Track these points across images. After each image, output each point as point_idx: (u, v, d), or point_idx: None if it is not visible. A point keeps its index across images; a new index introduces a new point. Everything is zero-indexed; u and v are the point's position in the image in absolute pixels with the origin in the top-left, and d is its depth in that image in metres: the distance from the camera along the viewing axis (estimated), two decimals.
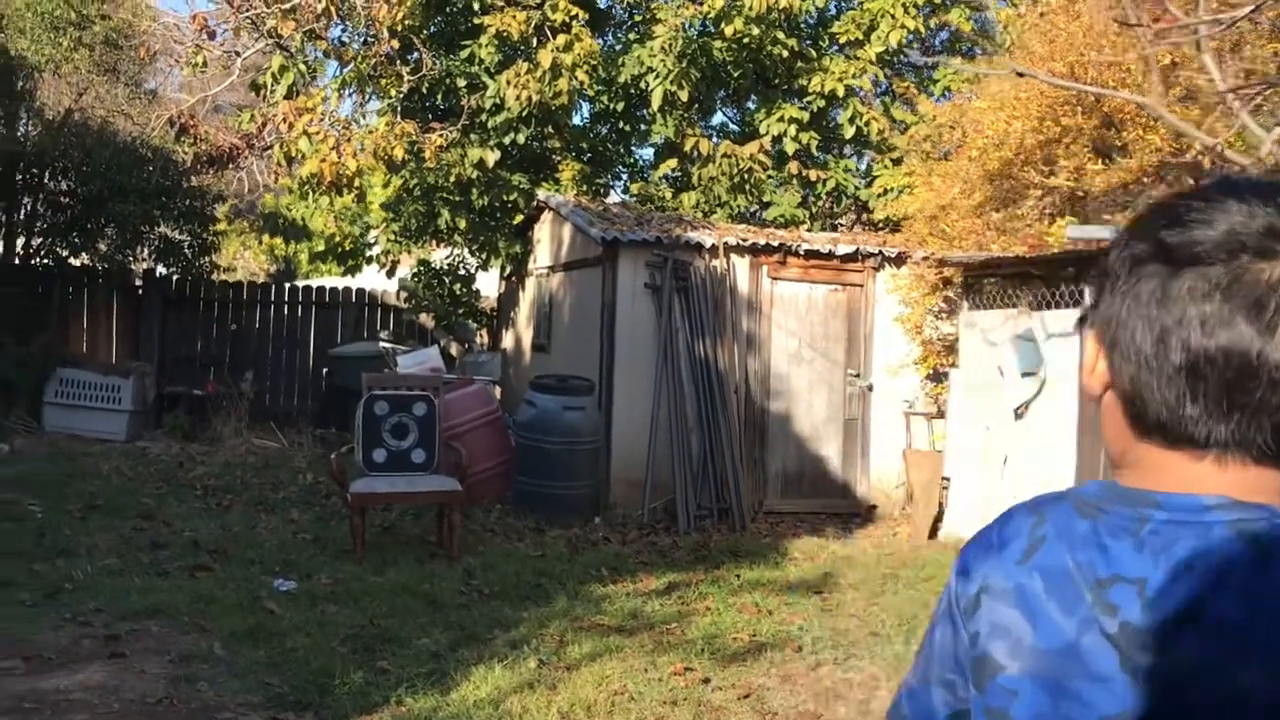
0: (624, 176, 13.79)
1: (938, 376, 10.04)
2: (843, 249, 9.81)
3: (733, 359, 9.46)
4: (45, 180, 12.53)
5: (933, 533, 8.76)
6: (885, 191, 12.36)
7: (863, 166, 13.51)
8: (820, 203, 13.29)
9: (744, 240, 9.62)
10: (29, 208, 12.68)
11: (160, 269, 13.68)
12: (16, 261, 12.60)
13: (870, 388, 9.94)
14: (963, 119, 9.83)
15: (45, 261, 12.81)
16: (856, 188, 12.87)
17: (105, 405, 12.20)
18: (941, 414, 10.10)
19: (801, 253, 9.70)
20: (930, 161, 11.70)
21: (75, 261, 13.07)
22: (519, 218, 12.20)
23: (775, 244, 9.65)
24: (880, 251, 9.90)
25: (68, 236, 12.73)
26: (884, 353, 10.00)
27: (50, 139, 12.15)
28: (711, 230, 9.92)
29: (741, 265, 9.65)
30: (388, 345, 12.43)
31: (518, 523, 8.44)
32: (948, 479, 8.86)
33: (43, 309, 12.88)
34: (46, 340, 12.53)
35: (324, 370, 14.04)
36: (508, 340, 13.21)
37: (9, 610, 5.74)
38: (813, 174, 12.21)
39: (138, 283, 13.64)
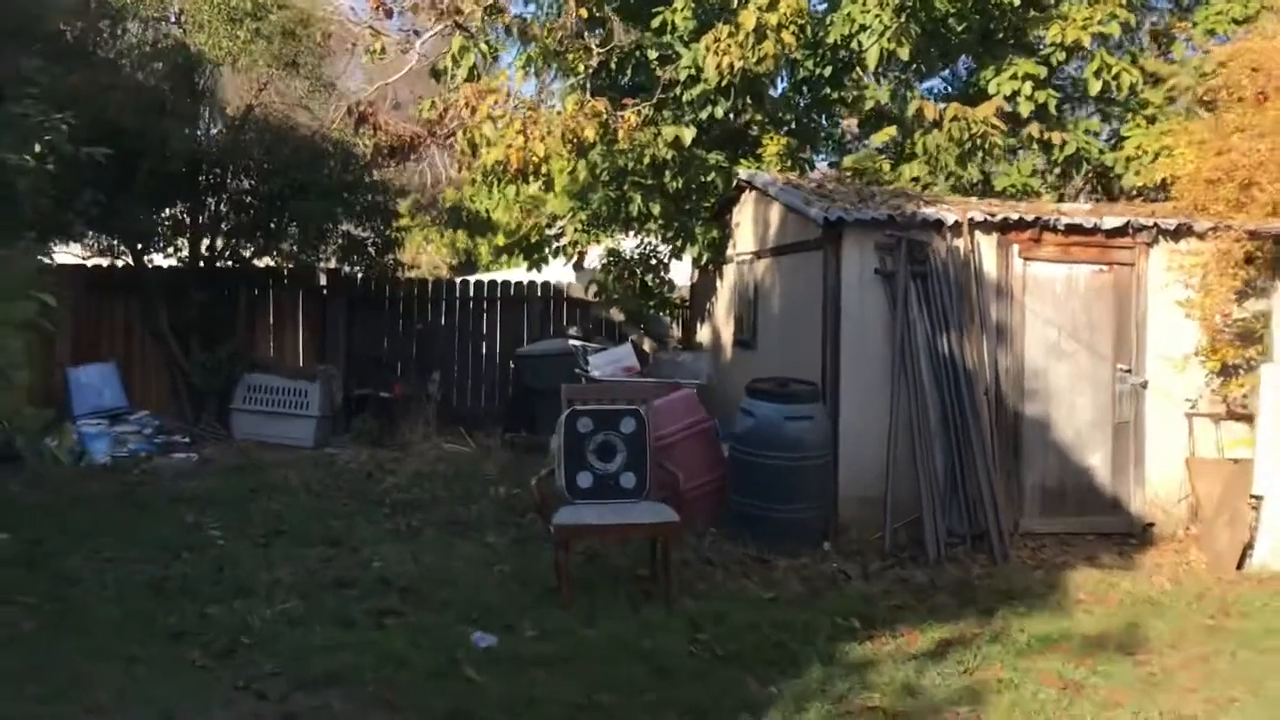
0: (827, 150, 12.49)
1: (1228, 371, 8.42)
2: (1110, 222, 8.31)
3: (981, 355, 8.11)
4: (228, 180, 12.08)
5: (1239, 562, 7.22)
6: (1138, 155, 10.71)
7: (1107, 128, 11.83)
8: (1055, 171, 11.69)
9: (991, 216, 8.23)
10: (212, 209, 12.26)
11: (345, 268, 13.15)
12: (201, 265, 12.21)
13: (1144, 385, 8.41)
14: (1257, 58, 8.17)
15: (230, 264, 12.39)
16: (1101, 151, 11.22)
17: (293, 410, 11.72)
18: (1232, 415, 8.50)
19: (1061, 228, 8.25)
20: (1196, 117, 10.03)
21: (259, 263, 12.61)
22: (715, 200, 11.08)
23: (1029, 219, 8.23)
24: (1156, 224, 8.35)
25: (251, 237, 12.28)
26: (1159, 343, 8.45)
27: (231, 137, 11.68)
28: (950, 206, 8.55)
29: (987, 245, 8.27)
30: (577, 343, 11.52)
31: (736, 550, 7.33)
32: (1258, 497, 7.30)
33: (229, 313, 12.49)
34: (234, 345, 12.13)
35: (511, 369, 13.29)
36: (703, 335, 12.12)
37: (179, 675, 4.99)
38: (1054, 136, 10.65)
39: (322, 282, 13.13)
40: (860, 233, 8.13)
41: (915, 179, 10.53)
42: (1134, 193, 10.99)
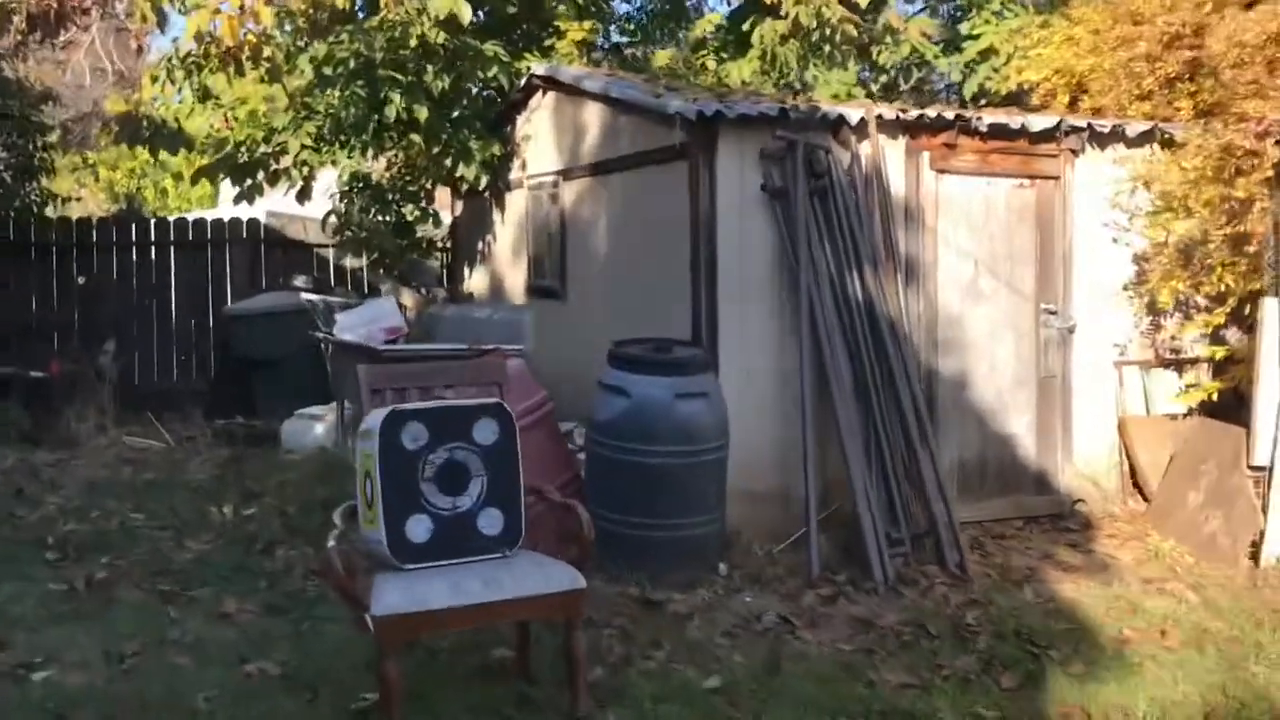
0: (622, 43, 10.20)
1: (1158, 310, 6.89)
2: (1039, 123, 6.52)
3: (899, 299, 6.13)
4: None
5: (1254, 555, 5.65)
6: (987, 57, 9.13)
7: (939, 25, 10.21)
8: (880, 80, 9.96)
9: (902, 113, 6.24)
10: None
11: None
12: None
13: (1072, 330, 6.74)
14: None
15: None
16: (936, 55, 9.57)
17: None
18: (1163, 362, 6.99)
19: (982, 129, 6.38)
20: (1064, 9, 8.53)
21: None
22: (499, 104, 8.57)
23: (946, 118, 6.30)
24: (1089, 125, 6.64)
25: None
26: (1087, 278, 6.80)
27: None
28: (841, 104, 6.49)
29: (894, 154, 6.28)
30: (313, 297, 8.71)
31: (608, 587, 5.02)
32: (1260, 468, 5.75)
33: None
34: None
35: (216, 335, 10.25)
36: (476, 284, 9.59)
37: None
38: (894, 22, 8.82)
39: None
40: (740, 136, 5.92)
41: (745, 82, 8.44)
42: (979, 102, 9.40)
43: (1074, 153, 6.68)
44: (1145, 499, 6.76)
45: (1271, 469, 5.65)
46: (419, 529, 3.69)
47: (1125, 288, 6.93)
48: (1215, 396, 6.58)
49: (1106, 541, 6.23)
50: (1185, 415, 6.95)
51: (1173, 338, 7.01)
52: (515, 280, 8.75)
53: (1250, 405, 5.82)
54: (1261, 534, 5.57)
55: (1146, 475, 6.72)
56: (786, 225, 5.93)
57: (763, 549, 5.65)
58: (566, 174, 7.70)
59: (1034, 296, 6.69)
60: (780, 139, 5.89)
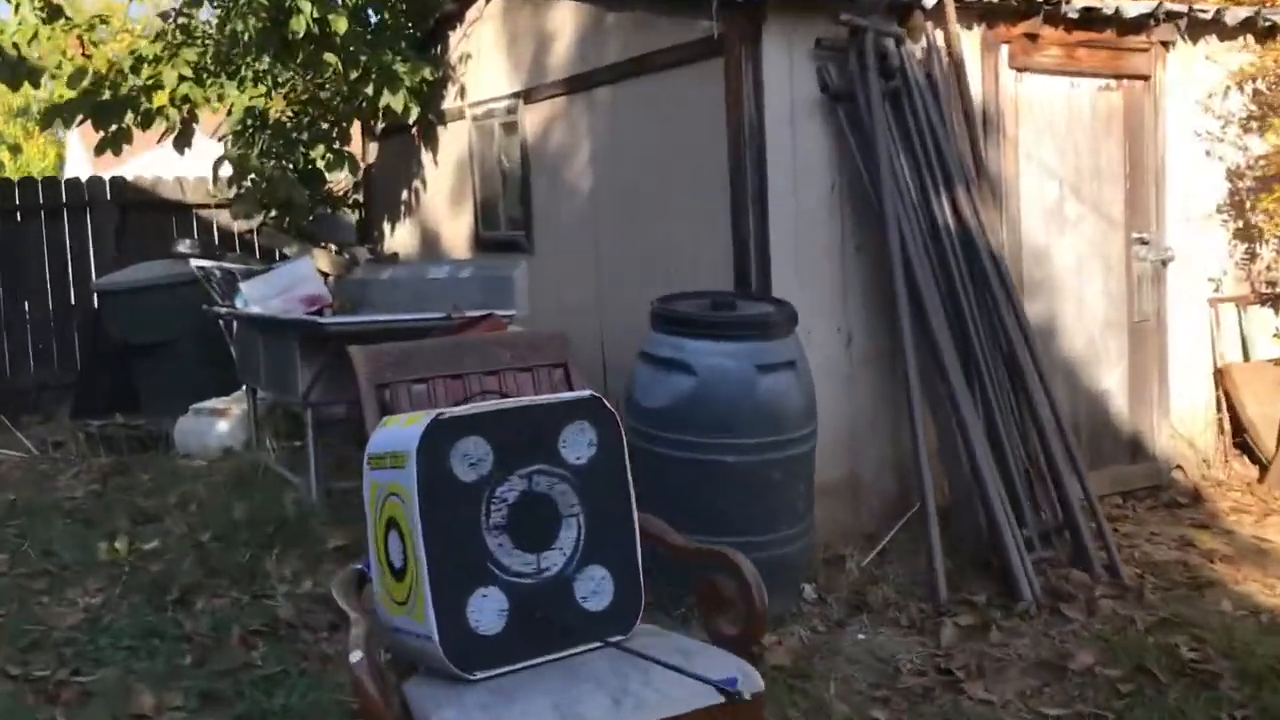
0: None
1: (1252, 235, 5.79)
2: (1133, 8, 5.27)
3: (999, 232, 4.84)
4: None
5: None
6: None
7: None
8: None
9: None
10: None
11: None
12: None
13: (1166, 262, 5.57)
14: None
15: None
16: None
17: None
18: (1260, 298, 5.89)
19: (1071, 16, 5.10)
20: None
21: None
22: (434, 18, 6.98)
23: (1032, 1, 5.00)
24: (1189, 10, 5.43)
25: None
26: (1179, 197, 5.64)
27: None
28: None
29: (968, 48, 4.96)
30: (205, 264, 7.02)
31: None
32: None
33: None
34: None
35: (83, 316, 8.46)
36: (400, 241, 8.00)
37: None
38: None
39: None
40: (789, 22, 4.53)
41: None
42: None
43: (1165, 45, 5.47)
44: (1255, 461, 5.67)
45: None
46: (488, 611, 2.23)
47: (1219, 210, 5.78)
48: None
49: (1239, 519, 5.10)
50: None
51: (1268, 268, 5.91)
52: (455, 234, 7.21)
53: None
54: None
55: (1258, 432, 5.62)
56: (856, 138, 4.57)
57: (853, 562, 4.33)
58: (528, 96, 6.18)
59: (1124, 223, 5.49)
60: (846, 23, 4.51)
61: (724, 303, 3.98)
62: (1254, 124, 5.75)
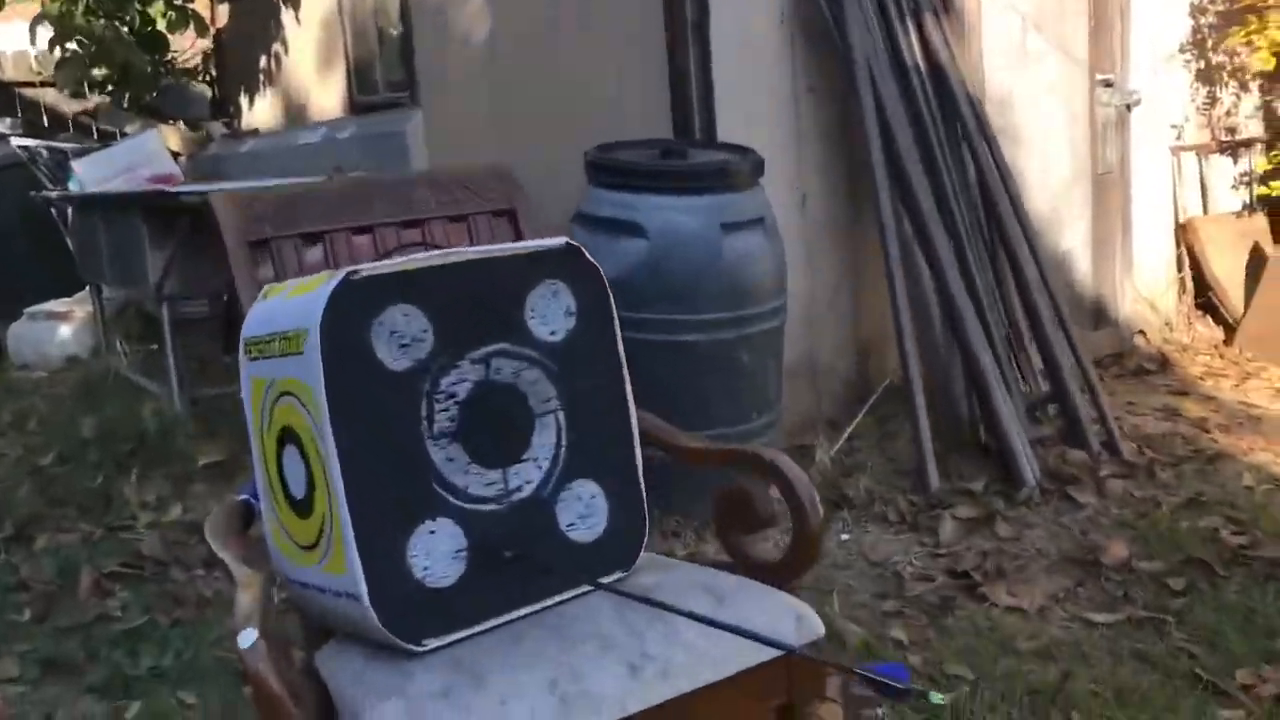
0: None
1: (1213, 77, 5.31)
2: None
3: (973, 70, 4.21)
4: None
5: None
6: None
7: None
8: None
9: None
10: None
11: None
12: None
13: (1130, 106, 5.05)
14: None
15: None
16: None
17: None
18: (1220, 146, 5.44)
19: None
20: None
21: None
22: None
23: None
24: None
25: None
26: (1145, 32, 5.10)
27: None
28: None
29: None
30: (28, 143, 6.00)
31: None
32: None
33: None
34: None
35: None
36: (260, 115, 7.02)
37: None
38: None
39: None
40: None
41: None
42: None
43: None
44: (1220, 321, 5.27)
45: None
46: (438, 553, 1.55)
47: (1181, 49, 5.27)
48: None
49: (1217, 384, 4.69)
50: (1247, 212, 5.47)
51: (1228, 114, 5.46)
52: (325, 103, 6.29)
53: None
54: None
55: (1225, 291, 5.22)
56: None
57: (822, 452, 3.76)
58: None
59: (1088, 62, 4.93)
60: None
61: (675, 150, 3.28)
62: None
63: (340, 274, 1.49)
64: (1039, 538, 3.17)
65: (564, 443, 1.66)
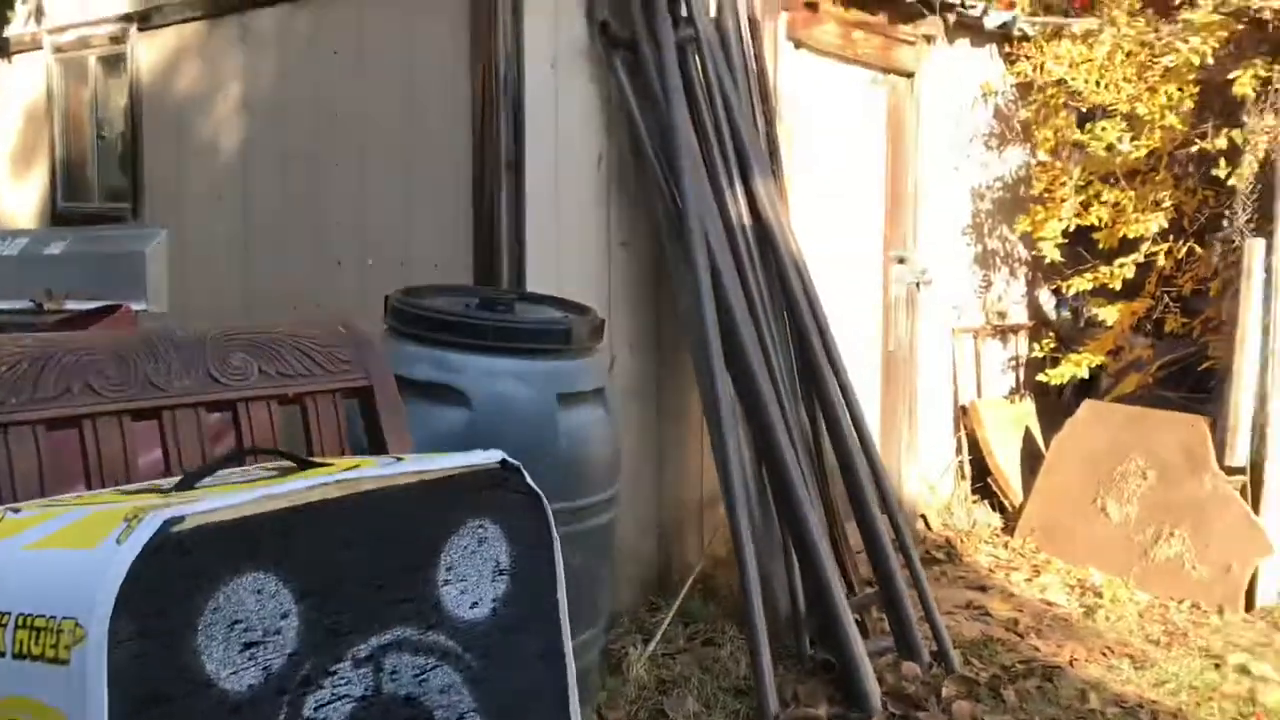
0: None
1: (990, 260, 5.37)
2: None
3: (792, 233, 3.91)
4: None
5: (1249, 602, 4.14)
6: None
7: None
8: None
9: None
10: None
11: None
12: None
13: (921, 284, 4.97)
14: None
15: None
16: None
17: None
18: (995, 330, 5.47)
19: None
20: None
21: None
22: None
23: None
24: (960, 2, 4.85)
25: None
26: (933, 214, 5.07)
27: None
28: None
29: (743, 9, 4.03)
30: None
31: None
32: (1238, 470, 4.27)
33: None
34: None
35: None
36: None
37: None
38: None
39: None
40: None
41: None
42: None
43: (929, 40, 4.87)
44: (997, 508, 5.18)
45: (1257, 470, 4.20)
46: None
47: (963, 232, 5.29)
48: (1086, 374, 5.10)
49: (1009, 577, 4.52)
50: (1016, 396, 5.50)
51: (999, 299, 5.51)
52: (20, 208, 5.30)
53: (1227, 383, 4.33)
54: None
55: (1005, 478, 5.14)
56: (638, 99, 3.48)
57: (637, 665, 3.20)
58: (144, 19, 4.54)
59: (883, 238, 4.82)
60: None
61: (499, 302, 2.72)
62: (994, 142, 5.32)
63: (152, 518, 0.84)
64: None
65: None
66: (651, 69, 3.44)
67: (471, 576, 1.04)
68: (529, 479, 1.10)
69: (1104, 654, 3.64)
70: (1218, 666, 3.47)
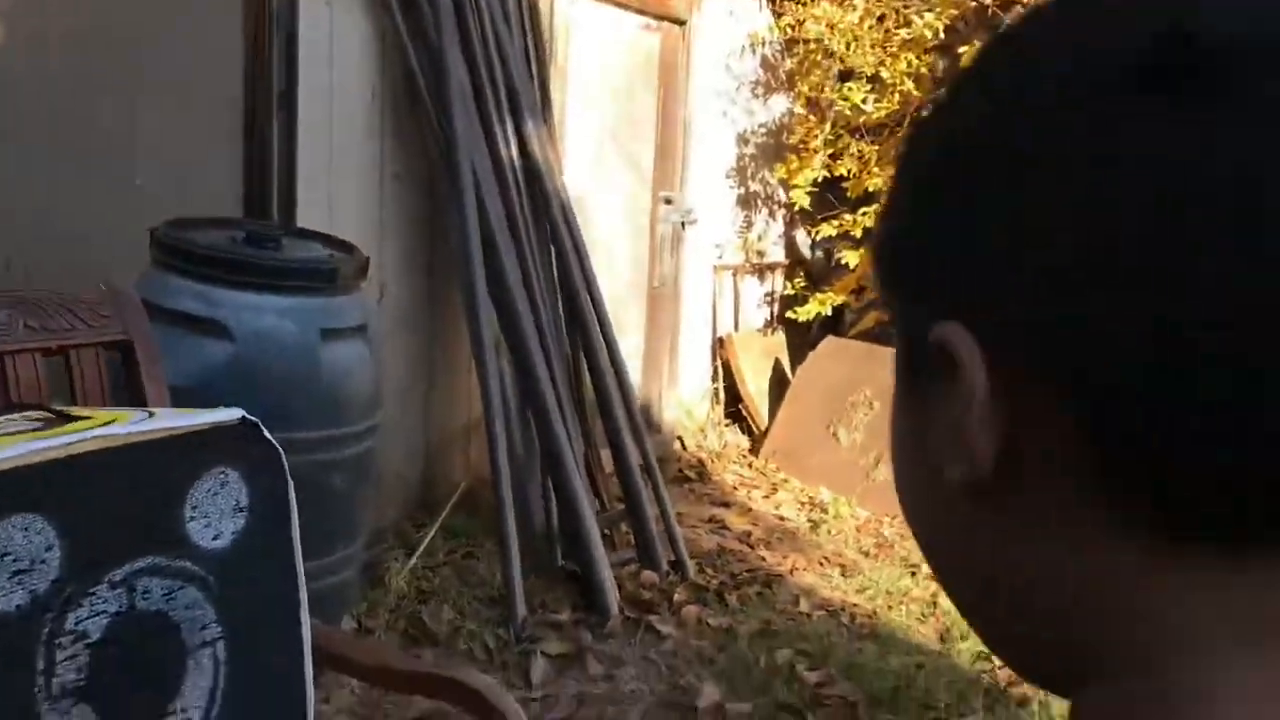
0: None
1: (753, 201, 5.76)
2: None
3: (557, 171, 4.13)
4: None
5: None
6: None
7: None
8: None
9: None
10: None
11: None
12: None
13: (686, 224, 5.30)
14: None
15: None
16: None
17: None
18: (754, 268, 5.89)
19: None
20: None
21: None
22: None
23: None
24: None
25: None
26: (701, 157, 5.39)
27: None
28: None
29: None
30: None
31: None
32: None
33: None
34: None
35: None
36: None
37: None
38: None
39: None
40: None
41: None
42: None
43: None
44: (747, 432, 5.64)
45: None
46: None
47: (727, 175, 5.64)
48: (830, 311, 5.58)
49: (750, 495, 4.98)
50: (770, 330, 5.96)
51: (759, 239, 5.92)
52: None
53: None
54: None
55: (754, 404, 5.59)
56: (413, 36, 3.61)
57: (398, 577, 3.45)
58: None
59: (653, 179, 5.11)
60: None
61: (263, 238, 2.85)
62: (761, 91, 5.67)
63: None
64: (630, 677, 3.08)
65: (222, 684, 1.26)
66: (425, 8, 3.57)
67: (214, 514, 1.25)
68: (266, 433, 1.31)
69: (821, 564, 4.11)
70: (913, 574, 3.99)
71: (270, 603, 1.32)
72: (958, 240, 0.41)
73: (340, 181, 3.59)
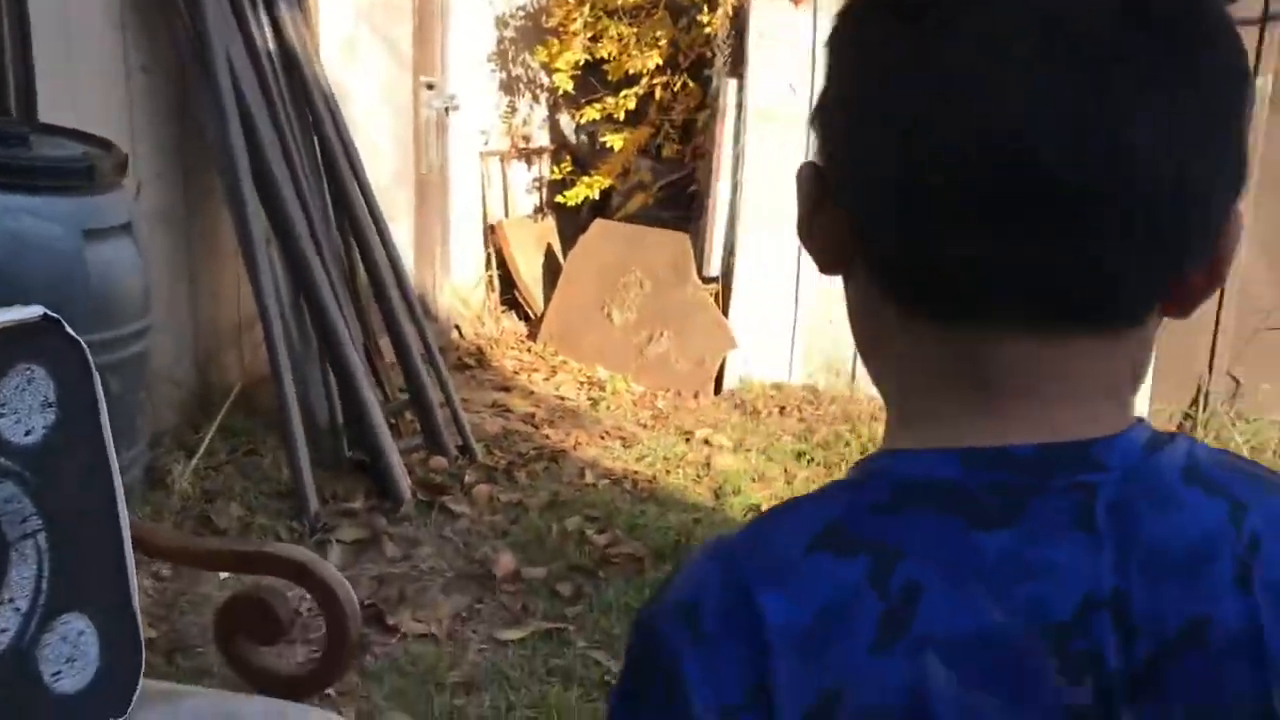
0: None
1: (515, 86, 5.78)
2: None
3: (315, 57, 4.02)
4: None
5: (717, 388, 4.97)
6: None
7: None
8: None
9: None
10: None
11: None
12: None
13: (450, 109, 5.27)
14: None
15: None
16: None
17: None
18: (520, 153, 5.93)
19: None
20: None
21: None
22: None
23: None
24: None
25: None
26: (464, 37, 5.34)
27: None
28: None
29: None
30: None
31: None
32: (713, 279, 5.04)
33: None
34: None
35: None
36: None
37: None
38: None
39: None
40: None
41: None
42: None
43: None
44: (523, 317, 5.75)
45: (727, 279, 5.00)
46: None
47: (489, 58, 5.62)
48: (598, 195, 5.69)
49: (531, 378, 5.11)
50: (540, 215, 6.03)
51: (524, 123, 5.94)
52: None
53: (704, 205, 5.05)
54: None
55: (528, 290, 5.69)
56: None
57: (180, 478, 3.41)
58: None
59: (413, 64, 5.03)
60: None
61: (9, 135, 2.70)
62: None
63: None
64: (428, 555, 3.19)
65: (46, 573, 1.29)
66: None
67: (23, 410, 1.25)
68: (68, 328, 1.31)
69: (602, 438, 4.31)
70: (688, 440, 4.25)
71: (87, 492, 1.34)
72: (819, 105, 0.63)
73: (85, 76, 3.40)
